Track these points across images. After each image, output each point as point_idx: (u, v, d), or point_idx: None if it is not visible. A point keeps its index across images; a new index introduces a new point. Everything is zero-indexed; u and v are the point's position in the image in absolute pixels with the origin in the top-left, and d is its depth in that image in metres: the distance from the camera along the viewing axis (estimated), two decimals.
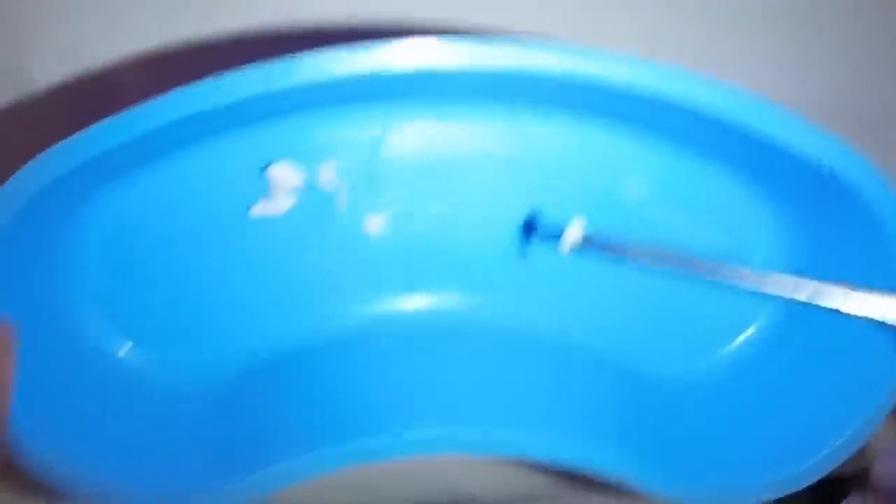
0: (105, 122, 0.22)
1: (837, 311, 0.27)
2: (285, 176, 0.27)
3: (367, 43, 0.22)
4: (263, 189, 0.28)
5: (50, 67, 0.29)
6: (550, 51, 0.23)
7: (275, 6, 0.28)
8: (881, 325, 0.26)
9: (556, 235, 0.29)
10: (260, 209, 0.28)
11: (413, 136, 0.28)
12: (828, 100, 0.32)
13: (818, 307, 0.26)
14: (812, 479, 0.30)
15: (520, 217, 0.30)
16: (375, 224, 0.29)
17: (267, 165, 0.28)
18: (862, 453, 0.31)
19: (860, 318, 0.26)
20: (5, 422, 0.24)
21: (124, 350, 0.30)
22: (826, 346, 0.31)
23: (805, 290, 0.27)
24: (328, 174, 0.28)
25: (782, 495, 0.30)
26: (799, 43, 0.32)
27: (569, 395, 0.31)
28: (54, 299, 0.28)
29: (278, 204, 0.28)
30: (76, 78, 0.29)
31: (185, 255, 0.29)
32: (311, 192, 0.29)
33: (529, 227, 0.30)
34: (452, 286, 0.31)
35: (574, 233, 0.29)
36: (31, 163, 0.23)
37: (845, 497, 0.35)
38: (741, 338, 0.33)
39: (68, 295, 0.28)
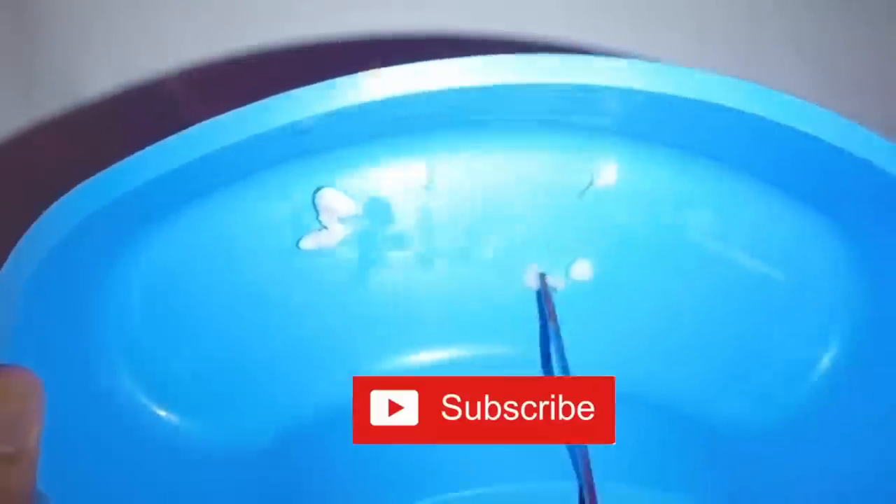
0: (163, 143, 0.20)
1: None
2: (337, 202, 0.25)
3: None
4: (311, 224, 0.26)
5: (100, 79, 0.27)
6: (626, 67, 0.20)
7: (320, 17, 0.27)
8: None
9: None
10: (311, 242, 0.26)
11: (462, 171, 0.26)
12: None
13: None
14: None
15: (572, 257, 0.28)
16: (424, 268, 0.27)
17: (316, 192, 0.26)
18: None
19: None
20: (32, 493, 0.21)
21: (158, 409, 0.27)
22: None
23: None
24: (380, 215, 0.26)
25: None
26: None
27: (637, 450, 0.28)
28: (83, 354, 0.25)
29: (330, 235, 0.26)
30: (126, 89, 0.27)
31: (225, 305, 0.27)
32: (358, 234, 0.26)
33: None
34: (501, 338, 0.29)
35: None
36: (75, 190, 0.20)
37: None
38: (814, 377, 0.30)
39: (98, 349, 0.26)
